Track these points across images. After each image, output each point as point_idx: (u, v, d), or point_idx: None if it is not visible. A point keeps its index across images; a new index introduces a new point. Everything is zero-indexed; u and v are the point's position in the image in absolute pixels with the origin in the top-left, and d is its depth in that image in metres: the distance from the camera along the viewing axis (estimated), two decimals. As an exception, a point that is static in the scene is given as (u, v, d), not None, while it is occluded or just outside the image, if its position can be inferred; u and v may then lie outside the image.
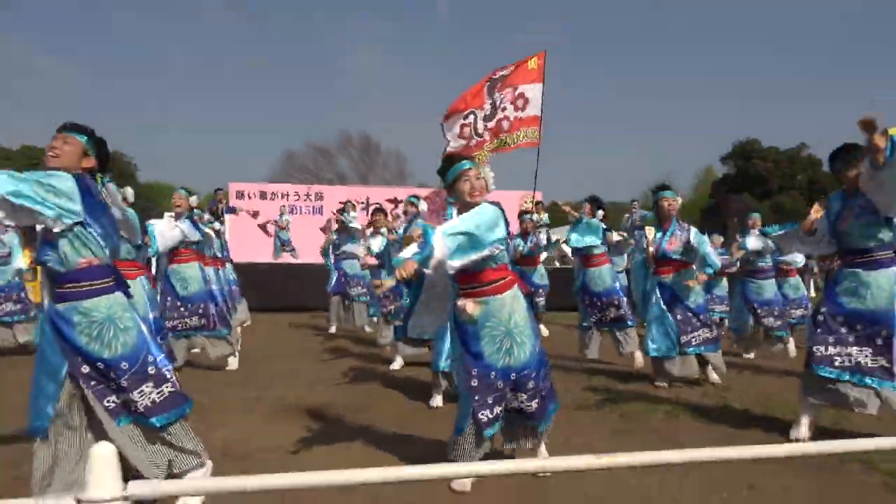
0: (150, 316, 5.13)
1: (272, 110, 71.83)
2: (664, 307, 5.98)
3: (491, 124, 11.53)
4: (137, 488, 1.49)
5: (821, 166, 37.20)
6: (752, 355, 7.92)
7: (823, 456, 3.69)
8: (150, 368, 3.07)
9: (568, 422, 4.82)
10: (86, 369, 2.96)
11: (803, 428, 4.25)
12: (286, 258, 14.88)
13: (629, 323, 7.09)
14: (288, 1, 69.70)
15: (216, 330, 6.67)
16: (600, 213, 7.35)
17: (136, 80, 69.35)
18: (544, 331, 9.39)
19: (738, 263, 7.74)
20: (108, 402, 2.98)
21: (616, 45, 74.91)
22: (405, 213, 6.55)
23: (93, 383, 2.96)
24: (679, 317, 5.93)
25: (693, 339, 5.93)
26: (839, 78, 68.71)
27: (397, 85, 72.01)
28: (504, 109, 11.37)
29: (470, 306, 3.30)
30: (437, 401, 5.30)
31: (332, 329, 10.29)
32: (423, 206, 6.42)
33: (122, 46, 69.00)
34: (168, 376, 3.13)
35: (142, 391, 3.03)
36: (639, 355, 6.93)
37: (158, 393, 3.07)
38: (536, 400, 3.46)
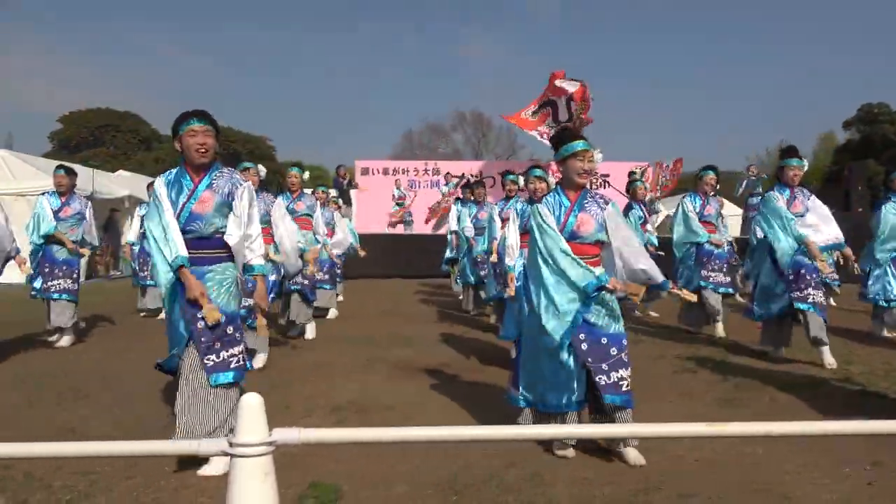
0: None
1: (392, 93, 73.11)
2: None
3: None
4: (281, 435, 1.58)
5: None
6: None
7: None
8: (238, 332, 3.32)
9: (678, 389, 4.66)
10: (201, 325, 3.15)
11: None
12: (401, 228, 15.18)
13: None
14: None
15: None
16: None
17: (272, 71, 72.65)
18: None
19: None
20: (208, 359, 3.15)
21: (733, 9, 69.84)
22: (507, 191, 6.48)
23: (203, 339, 3.15)
24: (797, 274, 5.39)
25: (809, 297, 5.33)
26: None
27: (507, 69, 70.94)
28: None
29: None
30: None
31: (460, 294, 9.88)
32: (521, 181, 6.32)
33: (257, 38, 72.43)
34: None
35: (237, 350, 3.27)
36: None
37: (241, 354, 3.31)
38: (618, 371, 3.26)
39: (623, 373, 3.25)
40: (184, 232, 3.20)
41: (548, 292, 3.26)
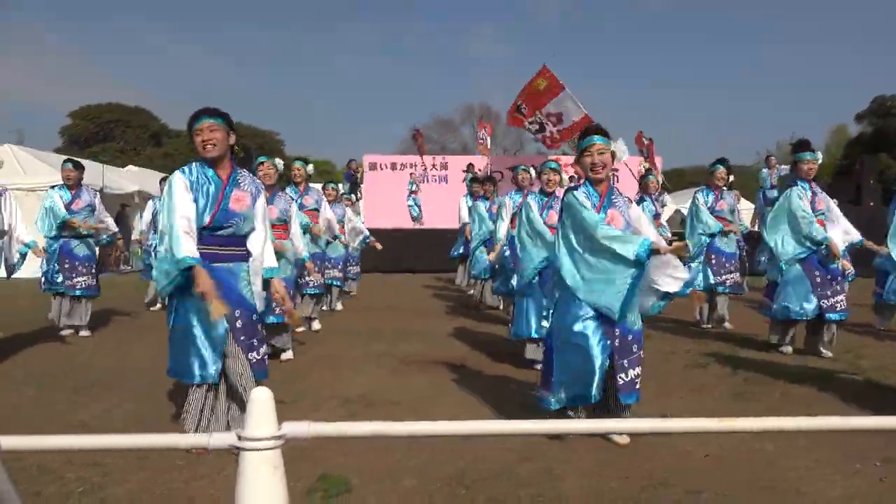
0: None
1: (400, 89, 73.06)
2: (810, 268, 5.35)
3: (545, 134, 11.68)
4: (291, 428, 1.59)
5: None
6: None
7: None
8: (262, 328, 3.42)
9: (688, 384, 4.64)
10: (239, 323, 3.21)
11: None
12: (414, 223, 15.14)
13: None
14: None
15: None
16: (730, 178, 7.05)
17: (279, 64, 72.74)
18: None
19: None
20: (251, 356, 3.25)
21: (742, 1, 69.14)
22: (520, 180, 6.45)
23: (242, 338, 3.23)
24: (823, 279, 5.34)
25: (837, 305, 5.32)
26: None
27: (511, 65, 70.66)
28: (547, 126, 11.40)
29: None
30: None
31: (469, 289, 9.89)
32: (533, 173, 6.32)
33: (263, 35, 72.48)
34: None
35: (265, 347, 3.42)
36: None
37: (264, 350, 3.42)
38: (635, 369, 3.35)
39: (638, 370, 3.34)
40: (221, 227, 3.23)
41: (590, 267, 3.27)
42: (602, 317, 3.27)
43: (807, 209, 5.29)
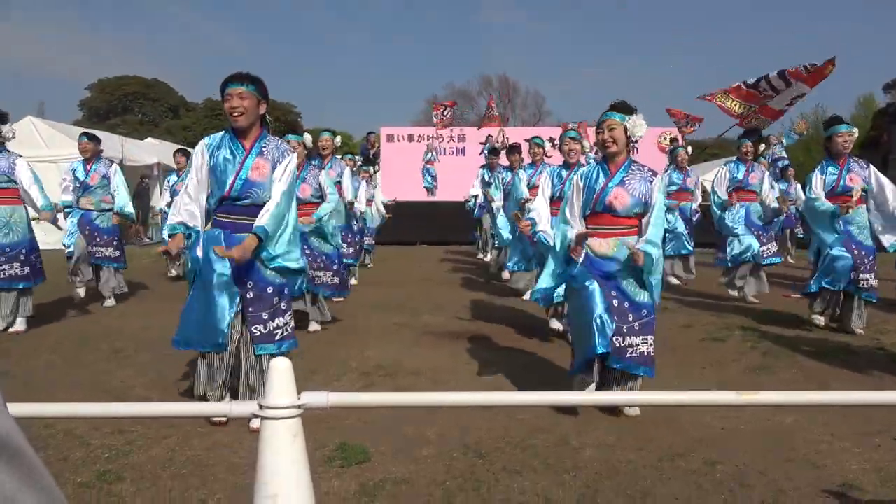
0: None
1: (417, 59, 72.32)
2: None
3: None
4: (310, 398, 1.61)
5: None
6: None
7: None
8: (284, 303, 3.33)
9: (706, 357, 4.63)
10: (250, 294, 3.20)
11: None
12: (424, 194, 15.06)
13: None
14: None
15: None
16: (762, 146, 6.98)
17: (296, 41, 72.28)
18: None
19: None
20: (255, 328, 3.22)
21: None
22: (532, 154, 6.40)
23: (251, 309, 3.20)
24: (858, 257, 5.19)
25: (862, 283, 5.19)
26: None
27: (532, 30, 69.51)
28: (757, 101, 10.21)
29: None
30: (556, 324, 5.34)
31: (487, 258, 10.01)
32: (547, 146, 6.31)
33: (280, 6, 71.92)
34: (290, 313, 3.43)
35: (284, 321, 3.30)
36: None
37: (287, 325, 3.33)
38: (633, 338, 3.35)
39: (636, 340, 3.32)
40: (240, 198, 3.19)
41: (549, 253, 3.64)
42: (601, 277, 3.34)
43: (816, 191, 5.22)
